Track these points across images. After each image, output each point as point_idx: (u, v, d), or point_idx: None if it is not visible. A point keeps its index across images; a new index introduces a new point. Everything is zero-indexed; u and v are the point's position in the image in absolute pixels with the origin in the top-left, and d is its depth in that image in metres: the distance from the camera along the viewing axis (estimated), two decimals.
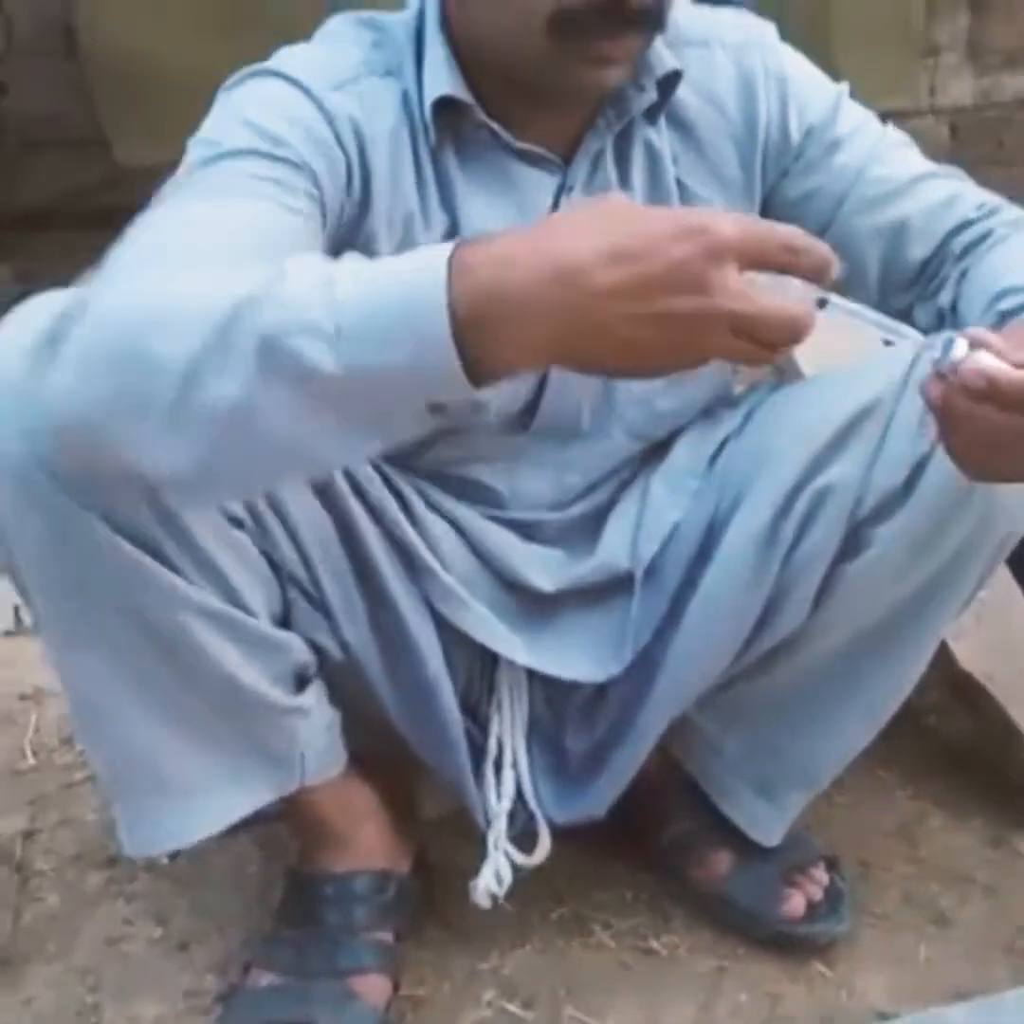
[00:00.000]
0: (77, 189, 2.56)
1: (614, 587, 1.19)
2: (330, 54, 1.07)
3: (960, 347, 0.78)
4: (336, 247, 1.02)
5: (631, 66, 1.04)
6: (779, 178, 1.16)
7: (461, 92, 1.04)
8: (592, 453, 1.19)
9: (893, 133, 1.18)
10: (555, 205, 1.09)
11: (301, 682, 1.11)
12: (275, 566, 1.07)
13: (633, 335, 0.71)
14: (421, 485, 1.16)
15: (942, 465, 1.01)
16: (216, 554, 1.00)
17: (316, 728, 1.12)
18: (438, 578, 1.14)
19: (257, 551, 1.05)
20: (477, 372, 0.72)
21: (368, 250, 1.04)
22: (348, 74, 1.04)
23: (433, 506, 1.16)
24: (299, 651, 1.10)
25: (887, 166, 1.14)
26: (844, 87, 1.18)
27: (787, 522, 1.10)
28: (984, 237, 1.10)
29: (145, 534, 0.95)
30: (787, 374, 1.81)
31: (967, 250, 1.10)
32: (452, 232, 1.07)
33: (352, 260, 0.79)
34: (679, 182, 1.13)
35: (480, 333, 0.71)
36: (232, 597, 1.02)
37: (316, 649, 1.12)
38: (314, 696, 1.11)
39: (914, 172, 1.14)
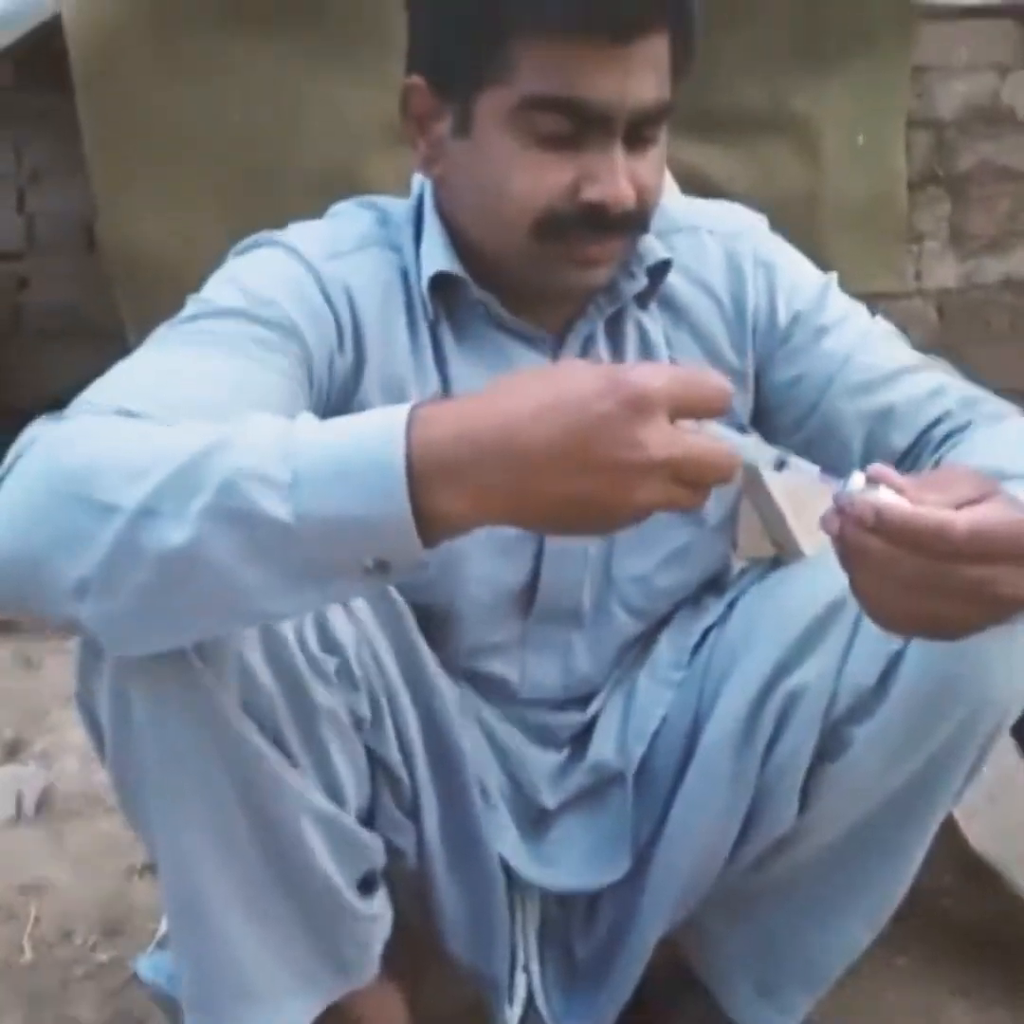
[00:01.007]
0: (94, 377, 2.61)
1: (606, 789, 1.18)
2: (333, 228, 1.12)
3: (857, 479, 0.78)
4: (328, 406, 1.05)
5: (615, 266, 1.08)
6: (768, 362, 1.17)
7: (456, 269, 1.08)
8: (596, 635, 1.19)
9: (881, 324, 1.19)
10: None
11: (368, 885, 1.08)
12: (373, 763, 1.05)
13: (569, 490, 0.73)
14: (460, 684, 1.16)
15: (917, 661, 1.01)
16: (331, 748, 0.98)
17: (381, 936, 1.09)
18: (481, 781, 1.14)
19: (364, 749, 1.03)
20: (427, 528, 0.74)
21: (362, 403, 1.06)
22: (346, 245, 1.09)
23: (466, 708, 1.16)
24: (378, 853, 1.07)
25: (873, 354, 1.15)
26: (832, 276, 1.20)
27: (761, 723, 1.08)
28: (963, 427, 1.10)
29: (272, 723, 0.94)
30: (786, 550, 1.82)
31: (945, 441, 1.10)
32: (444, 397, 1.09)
33: (311, 417, 0.81)
34: (672, 363, 1.15)
35: (433, 488, 0.73)
36: (334, 793, 1.00)
37: (391, 851, 1.09)
38: (383, 901, 1.09)
39: (900, 362, 1.15)
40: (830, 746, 1.07)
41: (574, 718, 1.20)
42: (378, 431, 0.74)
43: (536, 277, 1.06)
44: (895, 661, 1.03)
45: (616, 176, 1.00)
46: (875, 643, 1.03)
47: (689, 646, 1.19)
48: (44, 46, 2.33)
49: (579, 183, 1.00)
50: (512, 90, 0.99)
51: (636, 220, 1.04)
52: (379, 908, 1.08)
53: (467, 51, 1.00)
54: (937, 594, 0.78)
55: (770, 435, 1.19)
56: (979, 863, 1.39)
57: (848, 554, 0.79)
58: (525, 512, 0.76)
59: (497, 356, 1.10)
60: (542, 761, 1.18)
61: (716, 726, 1.11)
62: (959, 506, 0.77)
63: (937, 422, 1.12)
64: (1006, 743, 1.38)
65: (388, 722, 1.05)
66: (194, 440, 0.76)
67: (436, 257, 1.08)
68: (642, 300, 1.14)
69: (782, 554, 1.78)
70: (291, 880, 1.00)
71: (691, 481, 0.74)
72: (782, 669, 1.08)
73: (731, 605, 1.20)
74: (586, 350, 1.13)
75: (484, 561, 1.09)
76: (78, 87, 2.34)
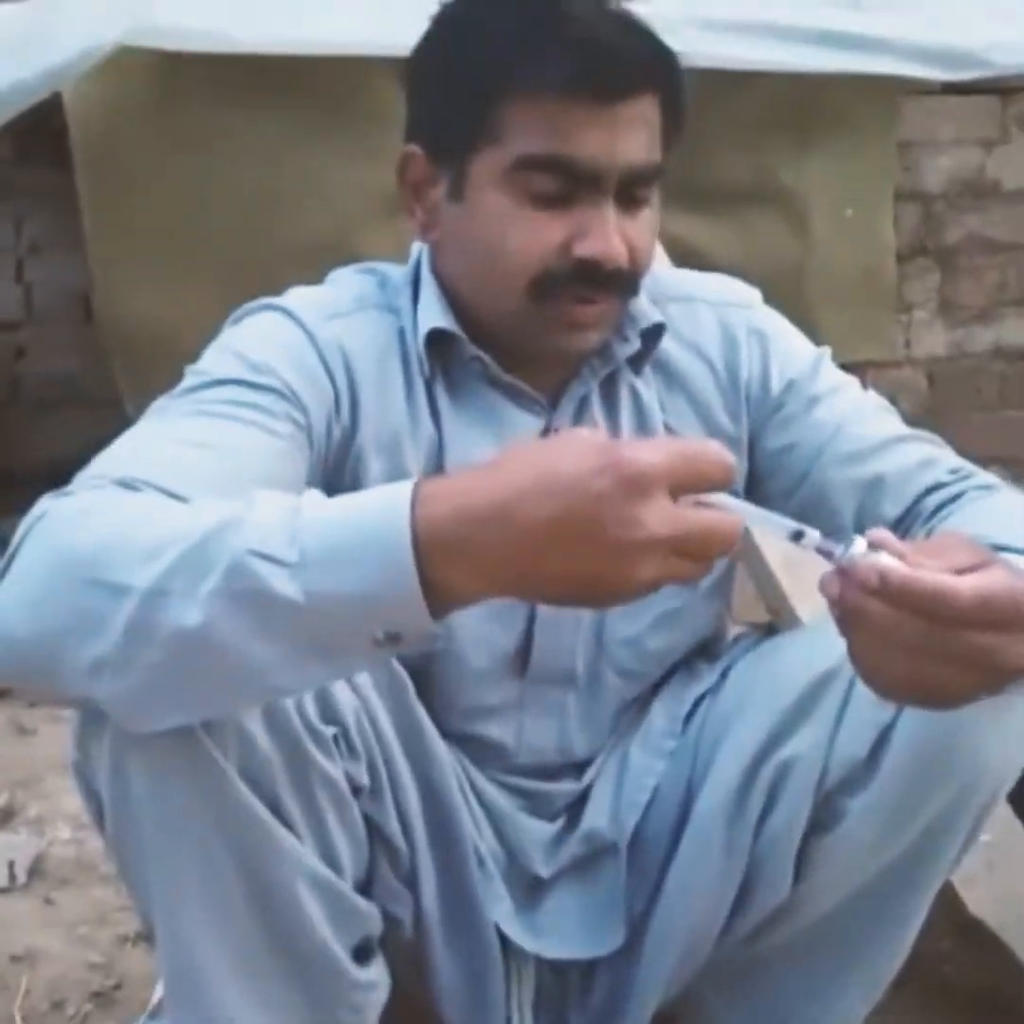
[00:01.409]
0: (91, 446, 2.63)
1: (600, 858, 1.17)
2: (330, 291, 1.14)
3: (859, 544, 0.78)
4: (329, 466, 1.06)
5: (607, 329, 1.09)
6: (760, 429, 1.17)
7: (452, 326, 1.09)
8: (590, 697, 1.18)
9: (873, 397, 1.20)
10: None
11: (365, 954, 1.06)
12: (371, 832, 1.04)
13: (570, 568, 0.73)
14: (455, 750, 1.15)
15: (909, 733, 1.00)
16: (329, 816, 0.97)
17: (378, 1004, 1.07)
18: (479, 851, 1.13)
19: (362, 818, 1.02)
20: (435, 600, 0.74)
21: (357, 470, 1.08)
22: (344, 308, 1.10)
23: (462, 776, 1.15)
24: (375, 922, 1.05)
25: (865, 425, 1.15)
26: (826, 350, 1.21)
27: (753, 793, 1.07)
28: (955, 498, 1.10)
29: (271, 790, 0.93)
30: (781, 615, 1.82)
31: (936, 512, 1.10)
32: (438, 456, 1.10)
33: (317, 495, 0.81)
34: (667, 427, 1.16)
35: (438, 564, 0.73)
36: (332, 860, 0.99)
37: (388, 919, 1.07)
38: (380, 970, 1.07)
39: (892, 433, 1.15)
40: (824, 817, 1.06)
41: (568, 787, 1.19)
42: (383, 510, 0.75)
43: (530, 339, 1.07)
44: (887, 732, 1.02)
45: (608, 233, 1.01)
46: (867, 714, 1.03)
47: (681, 714, 1.19)
48: (44, 122, 2.38)
49: (572, 241, 1.02)
50: (504, 151, 1.01)
51: (628, 280, 1.06)
52: (376, 975, 1.07)
53: (460, 115, 1.03)
54: (937, 660, 0.77)
55: (763, 503, 1.17)
56: (979, 928, 1.38)
57: (848, 617, 0.79)
58: (529, 587, 0.76)
59: (491, 415, 1.11)
60: (536, 830, 1.17)
61: (709, 796, 1.10)
62: (959, 572, 0.77)
63: (928, 492, 1.11)
64: (1004, 810, 1.37)
65: (387, 792, 1.04)
66: (203, 519, 0.77)
67: (432, 314, 1.09)
68: (636, 364, 1.15)
69: (777, 620, 1.78)
70: (288, 948, 0.98)
71: (693, 555, 0.74)
72: (774, 739, 1.07)
73: (724, 673, 1.19)
74: (580, 412, 1.13)
75: (478, 624, 1.09)
76: (77, 163, 2.38)
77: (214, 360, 1.05)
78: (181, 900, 0.94)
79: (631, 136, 1.01)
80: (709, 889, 1.10)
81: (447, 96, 1.05)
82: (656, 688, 1.22)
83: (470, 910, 1.11)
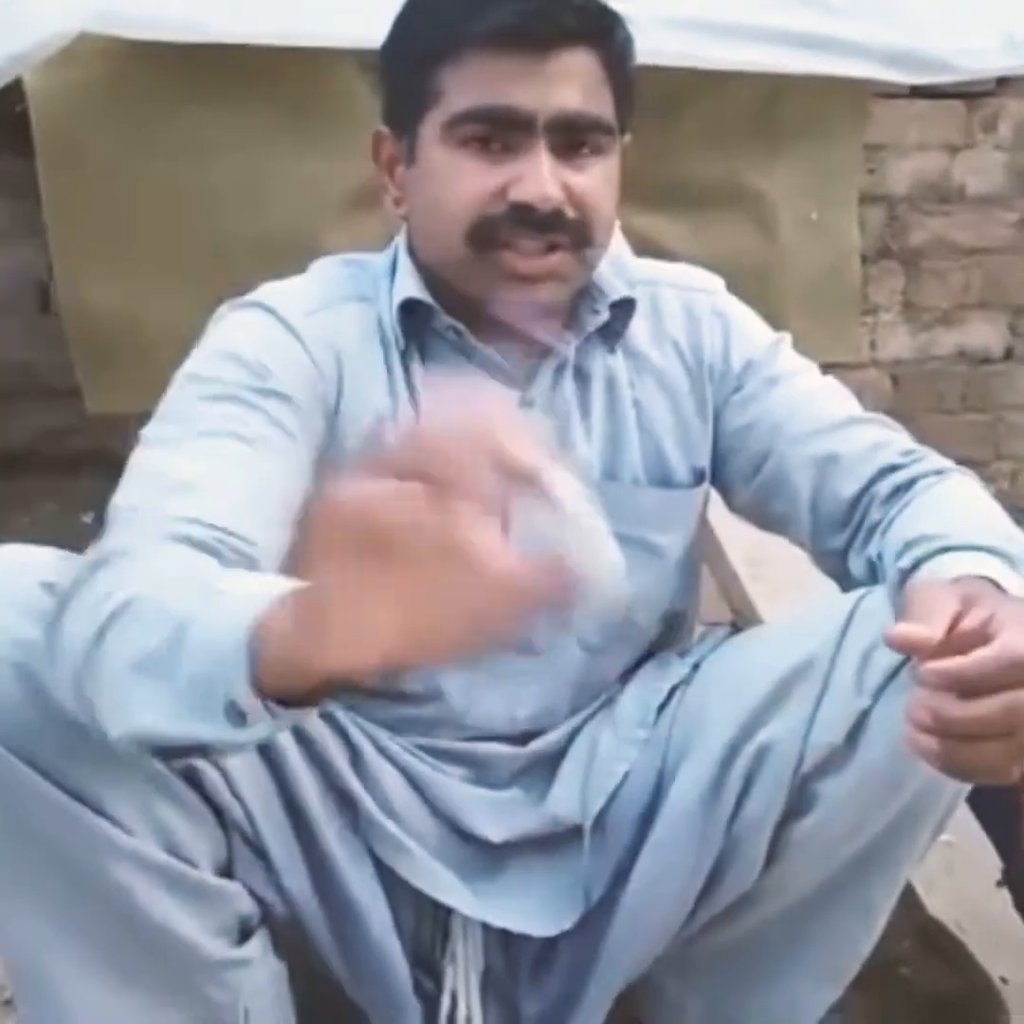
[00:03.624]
0: (46, 435, 2.62)
1: (564, 839, 1.16)
2: (308, 284, 1.16)
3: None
4: (323, 453, 1.09)
5: (561, 286, 1.10)
6: (722, 408, 1.21)
7: (424, 295, 1.12)
8: (548, 669, 1.18)
9: (832, 382, 1.23)
10: None
11: (246, 933, 1.06)
12: (219, 812, 1.04)
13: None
14: (373, 731, 1.15)
15: (885, 718, 1.02)
16: (153, 800, 0.98)
17: (260, 982, 1.07)
18: (383, 828, 1.11)
19: (198, 798, 1.02)
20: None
21: (343, 453, 1.09)
22: (322, 301, 1.13)
23: (384, 753, 1.14)
24: (242, 901, 1.06)
25: (822, 406, 1.19)
26: (785, 335, 1.24)
27: (728, 782, 1.08)
28: (909, 484, 1.12)
29: (77, 781, 0.93)
30: (744, 614, 1.83)
31: (891, 497, 1.12)
32: None
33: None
34: (636, 403, 1.19)
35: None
36: (171, 845, 0.99)
37: (258, 900, 1.08)
38: (258, 947, 1.07)
39: (848, 414, 1.19)
40: (797, 804, 1.07)
41: (517, 752, 1.18)
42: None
43: (477, 290, 1.09)
44: (863, 718, 1.04)
45: (540, 176, 1.05)
46: (844, 700, 1.05)
47: (654, 705, 1.19)
48: (5, 108, 2.34)
49: (507, 187, 1.06)
50: (443, 110, 1.06)
51: (573, 226, 1.08)
52: (252, 953, 1.06)
53: (408, 85, 1.08)
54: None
55: (728, 482, 1.23)
56: (938, 931, 1.38)
57: (930, 756, 0.82)
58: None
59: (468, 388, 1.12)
60: (481, 796, 1.17)
61: (683, 783, 1.11)
62: (956, 622, 0.82)
63: (883, 473, 1.14)
64: (963, 812, 1.37)
65: (208, 768, 1.03)
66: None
67: (406, 287, 1.12)
68: (609, 342, 1.17)
69: (740, 620, 1.79)
70: (128, 930, 0.99)
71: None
72: (750, 727, 1.08)
73: (696, 666, 1.20)
74: (555, 385, 1.16)
75: None
76: (39, 151, 2.34)
77: (209, 365, 1.07)
78: (6, 891, 0.97)
79: (562, 86, 1.05)
80: (680, 875, 1.10)
81: (399, 69, 1.10)
82: (627, 678, 1.22)
83: (343, 890, 1.10)
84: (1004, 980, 1.40)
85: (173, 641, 0.77)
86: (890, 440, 1.17)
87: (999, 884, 1.45)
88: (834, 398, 1.21)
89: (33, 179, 2.36)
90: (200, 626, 0.77)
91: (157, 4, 2.29)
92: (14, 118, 2.36)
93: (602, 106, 1.08)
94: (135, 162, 2.40)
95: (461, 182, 1.06)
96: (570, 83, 1.05)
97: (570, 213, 1.07)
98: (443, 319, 1.12)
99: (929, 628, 0.81)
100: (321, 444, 1.09)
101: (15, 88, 2.29)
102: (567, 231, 1.08)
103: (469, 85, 1.05)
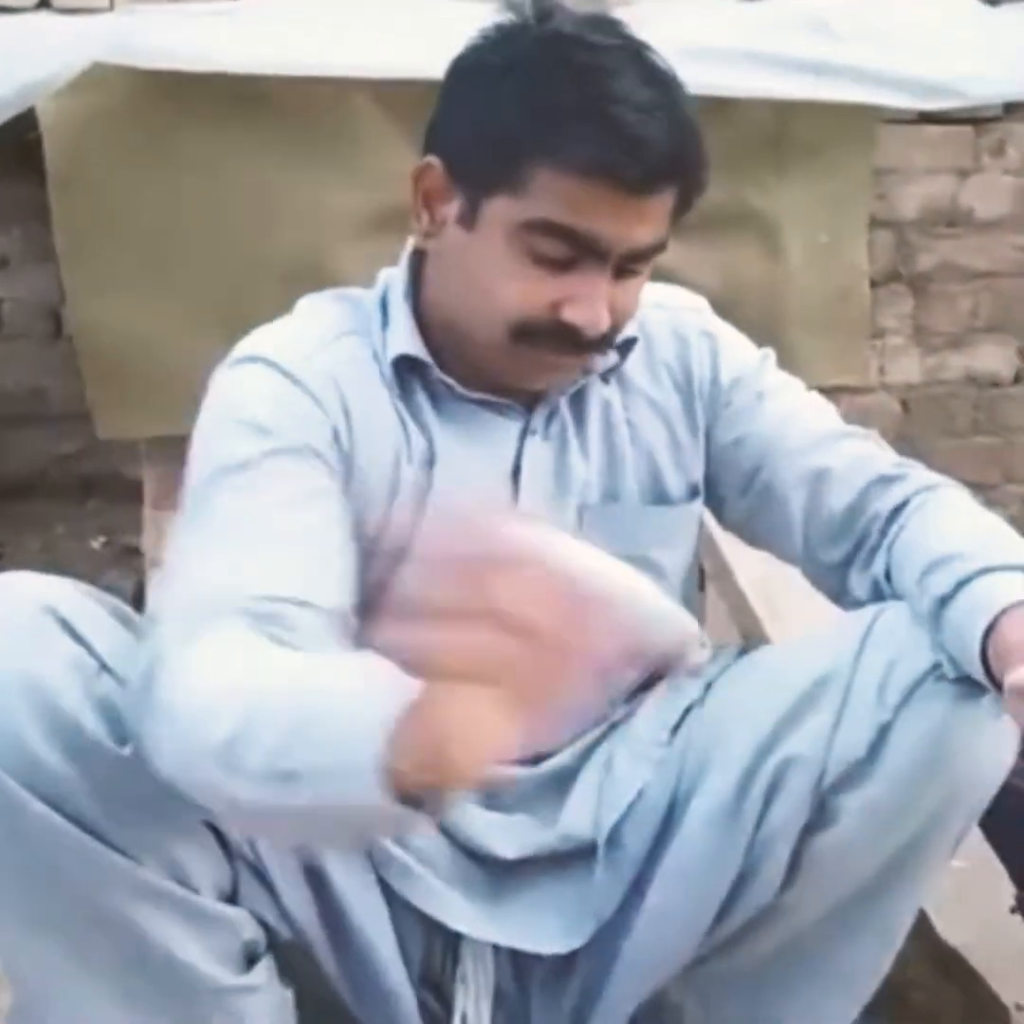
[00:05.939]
0: (57, 459, 2.63)
1: (576, 856, 1.16)
2: (302, 326, 1.16)
3: None
4: (344, 479, 1.10)
5: (578, 374, 1.14)
6: (713, 425, 1.22)
7: (420, 352, 1.12)
8: None
9: (817, 397, 1.25)
10: (520, 446, 1.15)
11: (251, 960, 1.06)
12: (224, 839, 1.04)
13: None
14: None
15: (908, 731, 1.02)
16: (156, 828, 0.98)
17: (266, 1008, 1.07)
18: (389, 852, 1.11)
19: (202, 823, 1.02)
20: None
21: (363, 487, 1.10)
22: (320, 341, 1.12)
23: None
24: (247, 928, 1.06)
25: (810, 421, 1.21)
26: (770, 351, 1.26)
27: (750, 797, 1.08)
28: (905, 502, 1.14)
29: (82, 810, 0.94)
30: (755, 637, 1.82)
31: (892, 517, 1.14)
32: (431, 464, 1.12)
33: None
34: (630, 423, 1.20)
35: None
36: (176, 872, 1.00)
37: (264, 926, 1.07)
38: (264, 974, 1.07)
39: (835, 429, 1.21)
40: (818, 818, 1.08)
41: (529, 773, 1.18)
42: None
43: (502, 370, 1.10)
44: (885, 731, 1.04)
45: (598, 303, 1.05)
46: (866, 713, 1.05)
47: (669, 723, 1.19)
48: (18, 136, 2.36)
49: (562, 303, 1.05)
50: (522, 207, 1.04)
51: (606, 340, 1.10)
52: (256, 980, 1.06)
53: (487, 156, 1.05)
54: None
55: (720, 498, 1.25)
56: (950, 956, 1.37)
57: None
58: None
59: (475, 420, 1.14)
60: (489, 817, 1.17)
61: (703, 799, 1.11)
62: None
63: (875, 485, 1.16)
64: (976, 836, 1.36)
65: None
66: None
67: (401, 340, 1.12)
68: (604, 375, 1.19)
69: (748, 640, 1.78)
70: (136, 958, 0.99)
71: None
72: (771, 742, 1.08)
73: (709, 687, 1.20)
74: (553, 413, 1.17)
75: None
76: (51, 177, 2.36)
77: (225, 438, 1.06)
78: (25, 924, 0.97)
79: (645, 225, 1.05)
80: (698, 889, 1.10)
81: (479, 132, 1.05)
82: (633, 697, 1.22)
83: (348, 916, 1.10)
84: (1019, 1007, 1.39)
85: (306, 767, 0.81)
86: (877, 453, 1.20)
87: (1013, 910, 1.44)
88: (820, 413, 1.24)
89: (45, 206, 2.37)
90: (333, 748, 0.79)
91: (169, 35, 2.31)
92: (26, 145, 2.38)
93: (666, 232, 1.09)
94: (147, 190, 2.42)
95: (518, 283, 1.05)
96: (651, 223, 1.06)
97: (608, 329, 1.08)
98: (436, 374, 1.13)
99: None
100: (342, 475, 1.10)
101: (27, 115, 2.31)
102: (600, 345, 1.11)
103: (558, 199, 1.02)
